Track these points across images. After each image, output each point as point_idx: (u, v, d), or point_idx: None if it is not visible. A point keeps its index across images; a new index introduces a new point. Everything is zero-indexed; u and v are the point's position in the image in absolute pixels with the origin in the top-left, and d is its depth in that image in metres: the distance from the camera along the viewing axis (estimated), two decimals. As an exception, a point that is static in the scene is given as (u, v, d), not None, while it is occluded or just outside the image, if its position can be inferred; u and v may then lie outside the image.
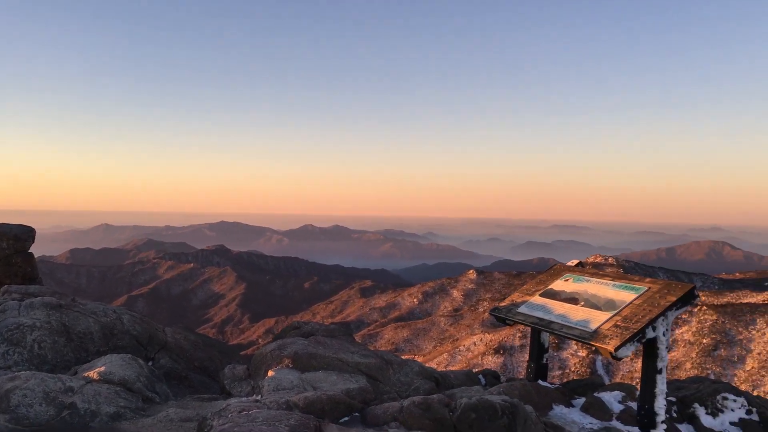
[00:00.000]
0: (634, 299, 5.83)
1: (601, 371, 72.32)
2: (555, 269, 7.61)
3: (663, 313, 5.47)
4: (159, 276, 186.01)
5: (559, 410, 6.29)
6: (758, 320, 74.55)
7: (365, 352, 7.12)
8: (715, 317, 77.64)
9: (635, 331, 5.31)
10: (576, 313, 6.09)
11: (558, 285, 6.97)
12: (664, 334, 5.54)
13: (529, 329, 6.98)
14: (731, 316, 77.26)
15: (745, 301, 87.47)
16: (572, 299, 6.43)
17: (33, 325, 6.33)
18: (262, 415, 3.94)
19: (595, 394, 6.59)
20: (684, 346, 75.38)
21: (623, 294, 6.03)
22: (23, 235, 10.09)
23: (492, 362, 78.30)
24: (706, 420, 6.66)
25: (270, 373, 5.92)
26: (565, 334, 5.90)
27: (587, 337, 5.59)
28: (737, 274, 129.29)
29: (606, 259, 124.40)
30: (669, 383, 7.67)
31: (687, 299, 5.62)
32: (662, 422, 5.61)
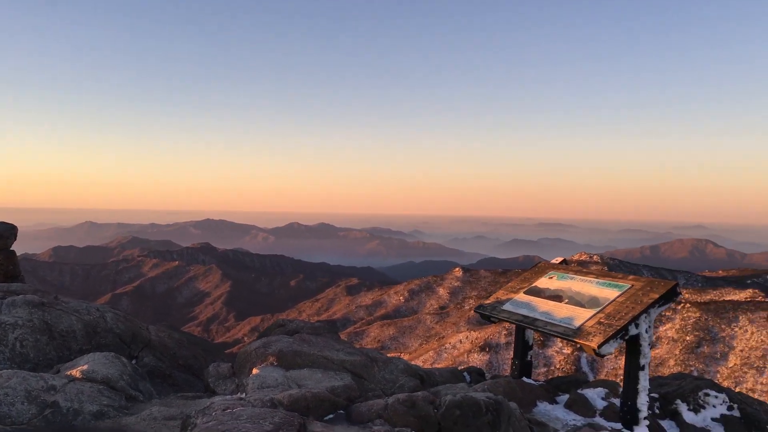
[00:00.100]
0: (618, 296, 5.87)
1: (585, 368, 72.87)
2: (539, 267, 7.65)
3: (646, 310, 5.51)
4: (143, 274, 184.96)
5: (543, 407, 6.33)
6: (741, 317, 75.41)
7: (350, 350, 7.12)
8: (698, 314, 78.44)
9: (618, 328, 5.35)
10: (560, 311, 6.13)
11: (542, 282, 7.01)
12: (646, 331, 5.58)
13: (514, 327, 7.01)
14: (714, 313, 78.11)
15: (728, 298, 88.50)
16: (556, 297, 6.47)
17: (15, 324, 6.27)
18: (246, 413, 3.92)
19: (579, 391, 6.63)
20: (668, 343, 76.10)
21: (607, 291, 6.07)
22: (5, 232, 9.99)
23: (478, 360, 78.61)
24: (688, 416, 6.73)
25: (254, 371, 5.90)
26: (549, 331, 5.94)
27: (571, 334, 5.63)
28: (720, 271, 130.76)
29: (591, 257, 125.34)
30: (652, 380, 7.74)
31: (669, 296, 5.67)
32: (645, 418, 5.66)
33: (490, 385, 6.48)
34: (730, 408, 6.99)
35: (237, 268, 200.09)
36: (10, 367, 5.82)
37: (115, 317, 7.48)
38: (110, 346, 6.91)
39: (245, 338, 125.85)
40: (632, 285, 5.99)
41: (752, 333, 72.35)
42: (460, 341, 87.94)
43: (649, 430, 5.68)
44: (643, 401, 5.65)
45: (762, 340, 70.66)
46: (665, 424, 6.50)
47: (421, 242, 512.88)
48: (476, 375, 8.26)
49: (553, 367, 74.24)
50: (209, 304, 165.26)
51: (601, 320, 5.60)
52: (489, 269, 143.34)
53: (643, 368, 5.63)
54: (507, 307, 6.82)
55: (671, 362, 72.00)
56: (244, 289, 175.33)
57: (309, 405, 4.60)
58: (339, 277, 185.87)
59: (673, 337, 76.50)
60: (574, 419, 6.00)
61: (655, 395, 6.98)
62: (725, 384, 53.27)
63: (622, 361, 6.04)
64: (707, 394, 7.00)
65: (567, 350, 76.23)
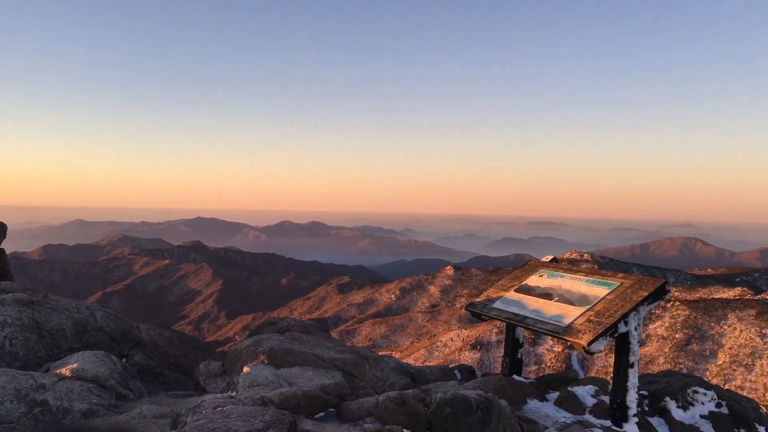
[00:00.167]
0: (607, 294, 5.91)
1: (576, 366, 73.15)
2: (530, 265, 7.68)
3: (635, 308, 5.55)
4: (134, 272, 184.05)
5: (533, 404, 6.37)
6: (730, 315, 75.89)
7: (341, 348, 7.13)
8: (687, 312, 78.89)
9: (608, 325, 5.38)
10: (550, 309, 6.16)
11: (533, 281, 7.04)
12: (636, 329, 5.62)
13: (505, 325, 7.04)
14: (703, 311, 78.57)
15: (717, 296, 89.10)
16: (546, 294, 6.50)
17: (4, 322, 6.23)
18: (237, 411, 3.92)
19: (569, 389, 6.67)
20: (657, 341, 76.50)
21: (596, 289, 6.11)
22: (-6, 230, 9.93)
23: (469, 358, 78.78)
24: (677, 413, 6.78)
25: (245, 369, 5.90)
26: (539, 329, 5.97)
27: (561, 332, 5.66)
28: (709, 270, 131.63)
29: (581, 255, 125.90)
30: (641, 377, 7.79)
31: (658, 294, 5.71)
32: (634, 415, 5.70)
33: (480, 382, 6.50)
34: (718, 405, 7.05)
35: (228, 267, 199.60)
36: (-1, 365, 5.80)
37: (105, 315, 7.45)
38: (100, 345, 6.88)
39: (236, 337, 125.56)
40: (621, 283, 6.02)
41: (741, 331, 72.83)
42: (452, 339, 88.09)
43: (638, 427, 5.72)
44: (632, 398, 5.69)
45: (750, 338, 71.15)
46: (654, 421, 6.55)
47: (412, 240, 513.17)
48: (467, 373, 8.29)
49: (543, 365, 74.49)
50: (200, 303, 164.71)
51: (591, 318, 5.63)
52: (480, 267, 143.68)
53: (632, 366, 5.67)
54: (497, 305, 6.84)
55: (661, 360, 72.38)
56: (235, 288, 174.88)
57: (300, 403, 4.61)
58: (330, 276, 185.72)
59: (662, 335, 76.91)
60: (564, 416, 6.03)
61: (645, 392, 7.03)
62: (714, 382, 53.68)
63: (612, 359, 6.08)
64: (696, 392, 7.06)
65: (558, 348, 76.51)
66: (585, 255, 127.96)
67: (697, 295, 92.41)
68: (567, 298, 6.20)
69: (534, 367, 73.62)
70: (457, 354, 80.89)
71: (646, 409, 6.79)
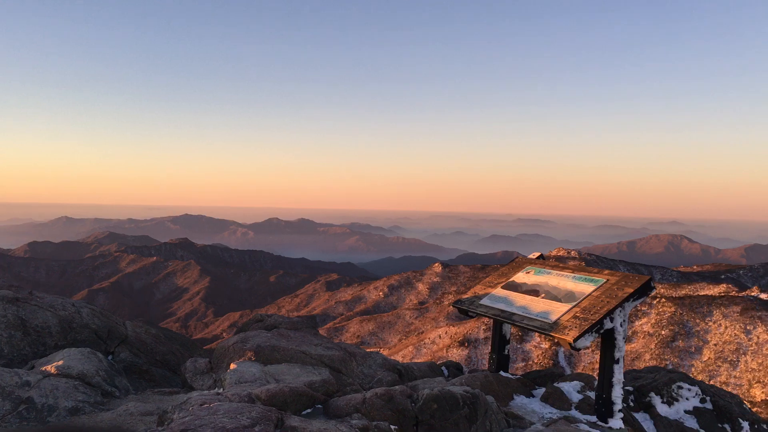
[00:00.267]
0: (593, 291, 5.94)
1: (563, 363, 73.58)
2: (517, 262, 7.71)
3: (620, 305, 5.59)
4: (121, 270, 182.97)
5: (519, 400, 6.40)
6: (715, 312, 76.60)
7: (329, 345, 7.13)
8: (673, 309, 79.53)
9: (593, 322, 5.42)
10: (537, 305, 6.19)
11: (520, 277, 7.07)
12: (621, 325, 5.66)
13: (492, 322, 7.06)
14: (689, 308, 79.25)
15: (703, 293, 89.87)
16: (533, 291, 6.53)
17: (-12, 319, 6.19)
18: (224, 408, 3.92)
19: (555, 384, 6.71)
20: (643, 338, 77.08)
21: (582, 286, 6.14)
22: (-22, 227, 9.83)
23: (457, 355, 79.03)
24: (661, 408, 6.84)
25: (232, 366, 5.89)
26: (526, 325, 5.99)
27: (547, 328, 5.69)
28: (695, 267, 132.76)
29: (569, 253, 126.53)
30: (626, 373, 7.86)
31: (644, 291, 5.75)
32: (619, 411, 5.74)
33: (467, 379, 6.53)
34: (702, 400, 7.12)
35: (216, 264, 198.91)
36: (-17, 363, 5.75)
37: (91, 313, 7.41)
38: (86, 342, 6.84)
39: (224, 334, 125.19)
40: (607, 279, 6.06)
41: (726, 327, 73.54)
42: (440, 336, 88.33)
43: (623, 422, 5.76)
44: (617, 394, 5.73)
45: (735, 334, 71.87)
46: (639, 416, 6.61)
47: (400, 238, 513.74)
48: (454, 369, 8.32)
49: (531, 362, 74.86)
50: (188, 300, 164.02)
51: (577, 314, 5.66)
52: (468, 265, 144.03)
53: (617, 361, 5.70)
54: (485, 301, 6.87)
55: (647, 356, 72.97)
56: (222, 285, 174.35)
57: (287, 400, 4.60)
58: (319, 273, 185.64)
59: (648, 332, 77.50)
60: (550, 412, 6.07)
61: (630, 388, 7.09)
62: (700, 378, 54.15)
63: (598, 356, 6.12)
64: (680, 387, 7.13)
65: (545, 345, 76.91)
66: (572, 252, 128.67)
67: (683, 292, 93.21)
68: (554, 295, 6.23)
69: (521, 364, 73.99)
70: (445, 351, 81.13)
71: (632, 404, 6.85)
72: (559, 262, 7.29)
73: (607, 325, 5.56)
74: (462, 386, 5.25)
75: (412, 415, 4.55)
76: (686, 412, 6.94)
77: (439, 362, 8.71)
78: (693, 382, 7.43)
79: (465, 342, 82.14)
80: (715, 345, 72.07)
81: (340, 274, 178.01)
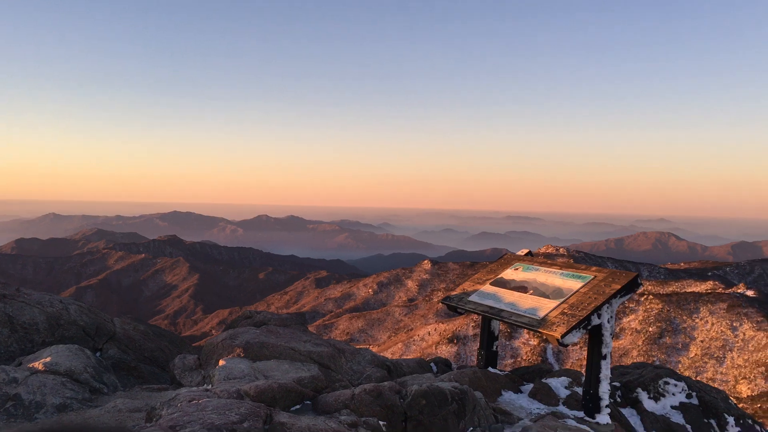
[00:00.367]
0: (581, 287, 5.98)
1: (551, 359, 73.94)
2: (505, 258, 7.74)
3: (608, 301, 5.62)
4: (109, 267, 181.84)
5: (507, 396, 6.43)
6: (702, 309, 77.20)
7: (318, 341, 7.14)
8: (660, 306, 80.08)
9: (581, 318, 5.45)
10: (525, 302, 6.22)
11: (508, 274, 7.10)
12: (608, 321, 5.70)
13: (481, 318, 7.09)
14: (676, 305, 79.82)
15: (690, 290, 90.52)
16: (522, 288, 6.56)
17: (-26, 316, 6.15)
18: (212, 404, 3.92)
19: (543, 380, 6.75)
20: (631, 334, 77.58)
21: (570, 282, 6.18)
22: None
23: (446, 351, 79.20)
24: (648, 404, 6.91)
25: (221, 362, 5.89)
26: (514, 321, 6.03)
27: (536, 325, 5.72)
28: (682, 264, 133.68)
29: (557, 250, 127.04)
30: (613, 369, 7.92)
31: (631, 287, 5.80)
32: (606, 406, 5.79)
33: (456, 375, 6.56)
34: (688, 396, 7.20)
35: (205, 261, 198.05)
36: (-31, 360, 5.72)
37: (79, 309, 7.38)
38: (74, 339, 6.82)
39: (213, 331, 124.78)
40: (595, 276, 6.10)
41: (712, 324, 74.17)
42: (429, 333, 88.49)
43: (610, 417, 5.80)
44: (604, 390, 5.77)
45: (722, 331, 72.50)
46: (626, 411, 6.66)
47: (390, 235, 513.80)
48: (443, 365, 8.35)
49: (519, 359, 75.17)
50: (176, 297, 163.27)
51: (565, 311, 5.70)
52: (457, 262, 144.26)
53: (604, 357, 5.74)
54: (473, 298, 6.89)
55: (634, 353, 73.46)
56: (212, 282, 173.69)
57: (275, 396, 4.61)
58: (308, 270, 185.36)
59: (636, 329, 78.02)
60: (538, 408, 6.11)
61: (617, 384, 7.15)
62: (686, 374, 54.55)
63: (586, 352, 6.17)
64: (667, 383, 7.20)
65: (534, 341, 77.25)
66: (561, 249, 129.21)
67: (670, 288, 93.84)
68: (542, 291, 6.27)
69: (510, 360, 74.27)
70: (434, 348, 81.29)
71: (619, 400, 6.91)
72: (547, 259, 7.33)
73: (595, 321, 5.60)
74: (451, 382, 5.28)
75: (401, 411, 4.57)
76: (673, 407, 7.01)
77: (428, 359, 8.74)
78: (679, 377, 7.50)
79: (454, 339, 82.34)
80: (702, 341, 72.68)
81: (330, 271, 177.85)
